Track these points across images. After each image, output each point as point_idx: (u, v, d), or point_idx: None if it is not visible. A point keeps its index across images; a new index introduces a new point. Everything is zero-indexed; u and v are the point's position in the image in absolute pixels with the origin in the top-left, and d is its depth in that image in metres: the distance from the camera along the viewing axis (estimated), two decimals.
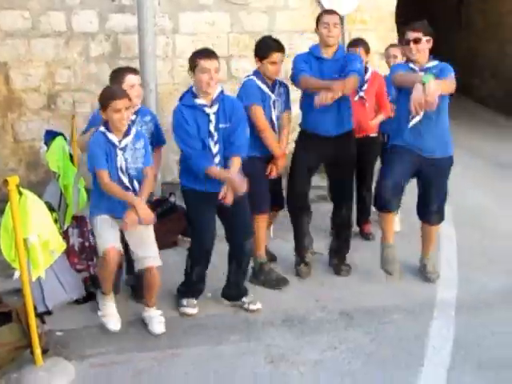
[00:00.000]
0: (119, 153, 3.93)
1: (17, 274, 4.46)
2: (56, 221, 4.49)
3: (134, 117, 4.33)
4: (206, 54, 4.07)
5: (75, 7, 7.14)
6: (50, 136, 4.98)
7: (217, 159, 4.14)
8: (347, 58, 4.77)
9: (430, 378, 3.58)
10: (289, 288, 4.73)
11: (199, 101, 4.09)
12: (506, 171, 8.10)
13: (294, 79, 4.74)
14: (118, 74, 4.37)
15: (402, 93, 4.53)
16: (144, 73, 6.41)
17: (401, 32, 5.05)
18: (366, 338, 4.00)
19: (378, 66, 7.02)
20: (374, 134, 5.64)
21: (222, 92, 4.15)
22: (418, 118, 4.44)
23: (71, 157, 5.00)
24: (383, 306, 4.41)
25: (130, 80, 4.32)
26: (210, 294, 4.62)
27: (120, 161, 3.93)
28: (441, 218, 4.83)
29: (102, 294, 4.21)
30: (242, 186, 4.08)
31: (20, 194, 3.49)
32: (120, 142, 3.93)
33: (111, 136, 3.92)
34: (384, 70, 6.48)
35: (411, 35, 4.46)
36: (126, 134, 3.97)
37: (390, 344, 3.93)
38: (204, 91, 4.05)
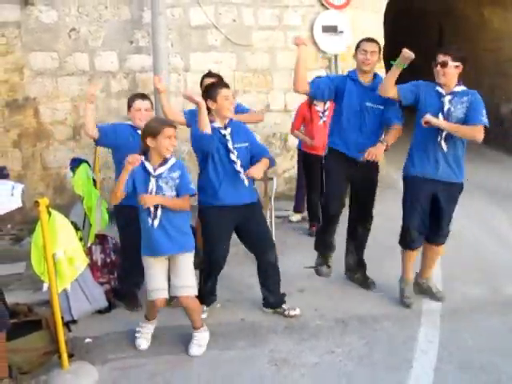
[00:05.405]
0: (152, 180, 3.80)
1: (45, 286, 4.46)
2: (81, 239, 4.52)
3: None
4: (226, 84, 4.34)
5: (98, 49, 7.29)
6: (76, 163, 5.00)
7: (238, 164, 4.18)
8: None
9: (418, 377, 3.60)
10: (290, 299, 4.73)
11: (216, 124, 4.22)
12: (477, 191, 8.13)
13: None
14: (130, 100, 4.52)
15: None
16: (158, 107, 6.50)
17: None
18: (359, 343, 4.01)
19: None
20: None
21: (230, 119, 4.30)
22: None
23: (94, 182, 5.04)
24: (375, 315, 4.42)
25: (136, 104, 4.42)
26: (219, 304, 4.64)
27: (151, 186, 3.80)
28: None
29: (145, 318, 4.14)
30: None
31: (49, 213, 3.55)
32: (155, 170, 3.82)
33: (147, 165, 3.81)
34: None
35: (440, 58, 4.25)
36: (163, 163, 3.85)
37: (381, 348, 3.94)
38: (224, 115, 4.21)
